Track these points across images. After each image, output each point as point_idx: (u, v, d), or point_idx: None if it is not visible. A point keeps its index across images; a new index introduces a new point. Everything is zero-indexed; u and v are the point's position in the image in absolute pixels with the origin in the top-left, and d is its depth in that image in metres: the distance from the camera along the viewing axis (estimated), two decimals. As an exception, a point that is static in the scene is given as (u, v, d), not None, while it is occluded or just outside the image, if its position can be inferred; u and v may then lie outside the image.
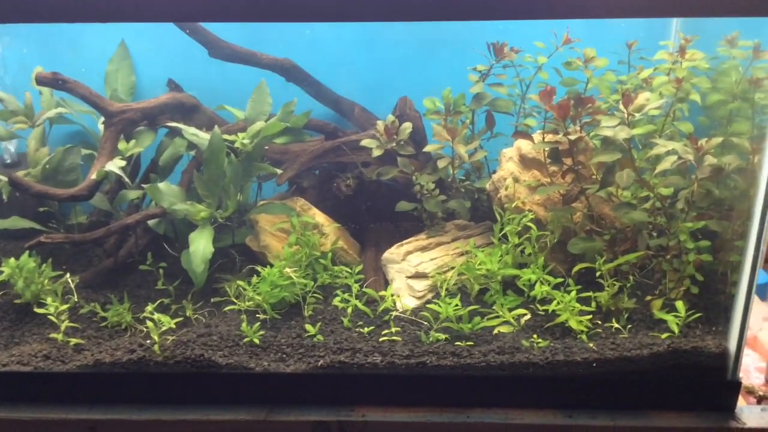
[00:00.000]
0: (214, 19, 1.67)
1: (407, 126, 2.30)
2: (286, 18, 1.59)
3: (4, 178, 2.23)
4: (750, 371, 2.04)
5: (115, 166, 2.11)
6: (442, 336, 1.97)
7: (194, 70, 2.50)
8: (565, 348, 1.90)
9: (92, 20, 1.70)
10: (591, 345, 1.89)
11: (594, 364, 1.85)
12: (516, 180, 2.22)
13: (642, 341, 1.90)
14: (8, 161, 2.59)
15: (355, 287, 2.17)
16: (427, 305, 2.07)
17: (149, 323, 1.98)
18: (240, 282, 2.15)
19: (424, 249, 2.28)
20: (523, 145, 2.27)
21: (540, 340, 1.92)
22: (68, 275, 2.17)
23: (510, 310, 2.03)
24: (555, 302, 1.99)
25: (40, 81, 2.15)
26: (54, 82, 2.16)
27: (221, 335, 2.00)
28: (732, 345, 1.84)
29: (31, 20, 1.64)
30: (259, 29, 2.48)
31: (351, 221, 2.49)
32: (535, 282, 2.05)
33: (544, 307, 2.02)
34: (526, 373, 1.87)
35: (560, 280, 2.06)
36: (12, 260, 2.09)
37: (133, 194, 2.26)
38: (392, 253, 2.25)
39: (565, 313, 1.96)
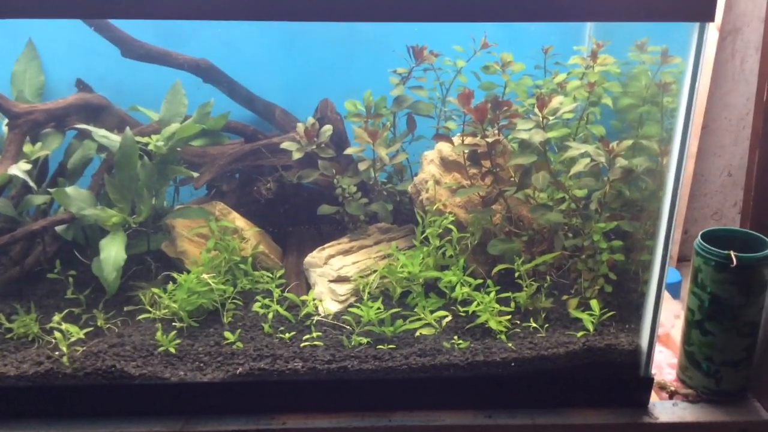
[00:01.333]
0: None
1: (327, 128, 2.28)
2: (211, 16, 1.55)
3: None
4: (663, 367, 2.10)
5: (19, 169, 2.00)
6: (365, 340, 1.95)
7: (106, 70, 2.41)
8: (484, 348, 1.92)
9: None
10: (510, 345, 1.92)
11: (513, 364, 1.87)
12: (437, 182, 2.23)
13: (559, 340, 1.93)
14: None
15: (277, 292, 2.13)
16: (350, 309, 2.06)
17: (57, 334, 1.89)
18: (155, 290, 2.08)
19: (346, 252, 2.26)
20: (444, 148, 2.28)
21: (461, 341, 1.93)
22: (-30, 285, 2.06)
23: (432, 312, 2.04)
24: (475, 303, 2.01)
25: (-63, 80, 2.03)
26: (-49, 81, 2.05)
27: (134, 345, 1.93)
28: (644, 342, 1.90)
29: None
30: (174, 29, 2.41)
31: (272, 225, 2.45)
32: (456, 284, 2.06)
33: (464, 309, 2.03)
34: (447, 375, 1.88)
35: (480, 281, 2.08)
36: None
37: (39, 199, 2.16)
38: (314, 257, 2.23)
39: (485, 314, 1.98)
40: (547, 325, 2.00)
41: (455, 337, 1.96)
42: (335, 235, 2.36)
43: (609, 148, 1.99)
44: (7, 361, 1.88)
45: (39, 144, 2.18)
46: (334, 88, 2.48)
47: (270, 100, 2.50)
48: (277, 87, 2.53)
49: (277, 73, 2.56)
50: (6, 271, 2.22)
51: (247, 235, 2.30)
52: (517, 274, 2.06)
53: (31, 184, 2.09)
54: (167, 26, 2.38)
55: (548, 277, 2.09)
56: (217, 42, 2.45)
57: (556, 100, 1.99)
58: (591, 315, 1.98)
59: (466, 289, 2.05)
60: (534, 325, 1.99)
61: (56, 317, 1.94)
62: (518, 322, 2.02)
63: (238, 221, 2.32)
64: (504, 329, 1.96)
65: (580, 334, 1.95)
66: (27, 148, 2.15)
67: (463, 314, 2.04)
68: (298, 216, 2.46)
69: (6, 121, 2.18)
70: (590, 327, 1.96)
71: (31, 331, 1.98)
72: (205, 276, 2.04)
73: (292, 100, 2.52)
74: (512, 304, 2.04)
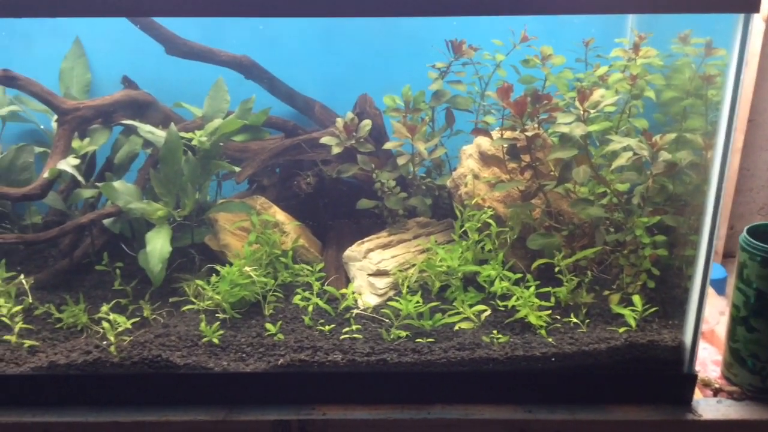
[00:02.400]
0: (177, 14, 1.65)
1: (367, 123, 2.29)
2: (250, 13, 1.58)
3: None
4: (707, 364, 2.07)
5: (68, 164, 2.06)
6: (403, 333, 1.97)
7: (151, 68, 2.46)
8: (524, 343, 1.92)
9: (45, 15, 1.65)
10: (550, 340, 1.91)
11: (553, 359, 1.87)
12: (476, 177, 2.23)
13: (600, 335, 1.92)
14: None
15: (317, 285, 2.16)
16: (389, 302, 2.07)
17: (105, 324, 1.94)
18: (199, 281, 2.12)
19: (385, 246, 2.27)
20: (483, 142, 2.28)
21: (500, 335, 1.93)
22: (22, 276, 2.12)
23: (471, 306, 2.04)
24: (515, 298, 2.00)
25: (-9, 78, 2.10)
26: (5, 79, 2.11)
27: (179, 335, 1.98)
28: (688, 338, 1.87)
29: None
30: (218, 26, 2.46)
31: (312, 219, 2.47)
32: (495, 278, 2.06)
33: (504, 303, 2.03)
34: (487, 369, 1.88)
35: (520, 275, 2.07)
36: (-38, 262, 2.04)
37: (87, 193, 2.22)
38: (353, 250, 2.24)
39: (524, 308, 1.98)
40: (588, 321, 1.99)
41: (494, 332, 1.96)
42: (374, 229, 2.38)
43: (652, 141, 1.96)
44: (57, 350, 1.94)
45: (87, 140, 2.24)
46: (372, 83, 2.49)
47: (309, 95, 2.53)
48: (316, 82, 2.56)
49: (316, 69, 2.58)
50: (55, 263, 2.29)
51: (288, 228, 2.33)
52: (557, 269, 2.05)
53: (80, 178, 2.15)
54: (210, 24, 2.43)
55: (589, 272, 2.07)
56: (258, 38, 2.48)
57: (598, 93, 1.97)
58: (633, 311, 1.96)
59: (505, 284, 2.05)
60: (575, 320, 1.98)
61: (104, 308, 1.99)
62: (558, 317, 2.01)
63: (279, 215, 2.35)
64: (544, 324, 1.96)
65: (622, 329, 1.93)
66: (75, 143, 2.21)
67: (502, 309, 2.04)
68: (338, 210, 2.49)
69: (55, 117, 2.24)
70: (632, 323, 1.94)
71: (79, 321, 2.04)
72: (247, 269, 2.08)
73: (331, 95, 2.54)
74: (552, 299, 2.03)
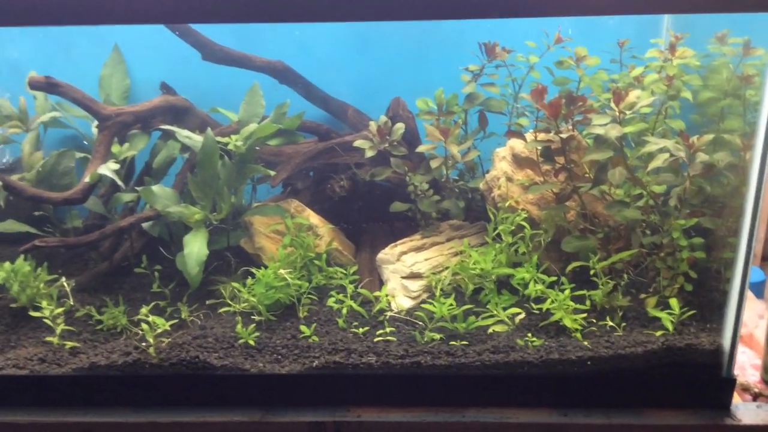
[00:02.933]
0: (210, 21, 1.69)
1: (400, 126, 2.30)
2: (278, 18, 1.61)
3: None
4: (746, 368, 2.04)
5: (108, 169, 2.11)
6: (437, 336, 1.97)
7: (187, 73, 2.51)
8: (559, 346, 1.91)
9: (86, 23, 1.70)
10: (585, 343, 1.89)
11: (589, 362, 1.85)
12: (509, 179, 2.22)
13: (636, 339, 1.90)
14: (2, 165, 2.59)
15: (350, 288, 2.17)
16: (422, 305, 2.08)
17: (144, 326, 1.98)
18: (235, 284, 2.15)
19: (418, 249, 2.28)
20: (516, 145, 2.27)
21: (534, 338, 1.93)
22: (63, 279, 2.17)
23: (504, 309, 2.04)
24: (549, 301, 1.99)
25: (33, 85, 2.16)
26: (47, 86, 2.17)
27: (216, 337, 2.00)
28: (726, 342, 1.85)
29: (26, 23, 1.65)
30: (252, 32, 2.49)
31: (345, 222, 2.49)
32: (530, 281, 2.05)
33: (538, 306, 2.02)
34: (521, 372, 1.87)
35: (554, 278, 2.06)
36: (7, 264, 2.10)
37: (127, 197, 2.27)
38: (387, 253, 2.26)
39: (559, 311, 1.97)
40: (624, 324, 1.97)
41: (529, 335, 1.95)
42: (407, 232, 2.39)
43: (689, 142, 1.94)
44: (97, 351, 1.99)
45: (126, 144, 2.29)
46: (404, 86, 2.50)
47: (342, 99, 2.55)
48: (348, 86, 2.58)
49: (348, 73, 2.60)
50: (95, 266, 2.34)
51: (321, 231, 2.35)
52: (592, 272, 2.04)
53: (119, 183, 2.20)
54: (245, 29, 2.46)
55: (625, 275, 2.05)
56: (291, 43, 2.51)
57: (633, 95, 1.95)
58: (670, 314, 1.93)
59: (539, 287, 2.04)
60: (611, 323, 1.96)
61: (144, 309, 2.03)
62: (594, 320, 1.99)
63: (313, 218, 2.37)
64: (579, 327, 1.94)
65: (658, 333, 1.91)
66: (115, 148, 2.26)
67: (536, 312, 2.03)
68: (371, 213, 2.50)
69: (95, 123, 2.29)
70: (669, 326, 1.92)
71: (119, 323, 2.08)
72: (282, 271, 2.10)
73: (363, 99, 2.56)
74: (587, 302, 2.02)
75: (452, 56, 2.41)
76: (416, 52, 2.55)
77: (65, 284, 2.16)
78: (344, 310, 2.09)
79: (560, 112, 2.01)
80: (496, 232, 2.18)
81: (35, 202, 2.21)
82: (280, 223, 2.30)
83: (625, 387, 1.88)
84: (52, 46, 2.54)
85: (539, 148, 2.12)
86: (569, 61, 2.24)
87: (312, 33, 2.52)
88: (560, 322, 1.96)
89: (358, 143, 2.32)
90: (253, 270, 2.15)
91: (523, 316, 2.02)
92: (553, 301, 1.99)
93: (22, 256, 2.13)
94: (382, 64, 2.59)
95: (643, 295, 2.05)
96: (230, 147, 2.22)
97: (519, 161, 2.27)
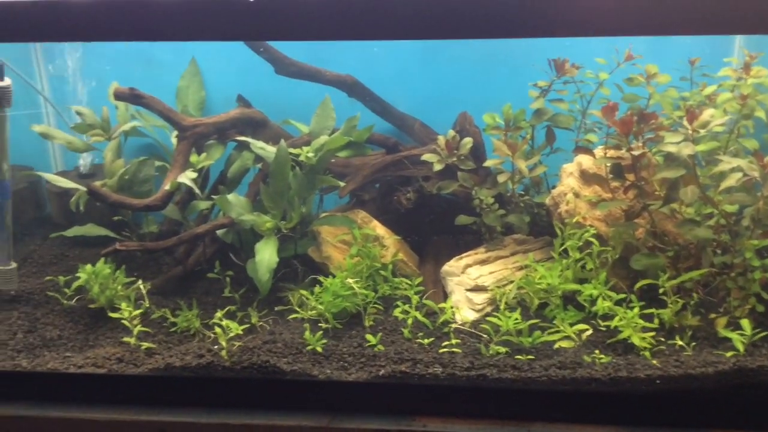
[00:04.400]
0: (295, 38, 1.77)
1: (468, 141, 2.33)
2: (361, 36, 1.67)
3: (82, 188, 2.33)
4: (818, 392, 1.99)
5: (187, 178, 2.19)
6: (503, 349, 1.98)
7: (259, 86, 2.58)
8: (627, 364, 1.90)
9: (170, 39, 1.79)
10: (654, 362, 1.88)
11: (657, 381, 1.84)
12: (576, 195, 2.23)
13: (706, 359, 1.88)
14: (84, 172, 2.71)
15: (415, 299, 2.20)
16: (487, 318, 2.09)
17: (217, 329, 2.04)
18: (303, 291, 2.20)
19: (483, 262, 2.30)
20: (584, 161, 2.28)
21: (602, 355, 1.92)
22: (140, 281, 2.25)
23: (570, 325, 2.04)
24: (617, 318, 1.99)
25: (118, 96, 2.26)
26: (131, 97, 2.27)
27: (285, 342, 2.05)
28: (800, 365, 1.82)
29: (112, 39, 1.74)
30: (322, 46, 2.55)
31: (409, 234, 2.52)
32: (597, 297, 2.05)
33: (605, 323, 2.02)
34: (589, 389, 1.87)
35: (623, 296, 2.05)
36: (89, 266, 2.19)
37: (203, 205, 2.35)
38: (451, 266, 2.28)
39: (627, 329, 1.96)
40: (693, 344, 1.95)
41: (596, 351, 1.95)
42: (470, 245, 2.41)
43: (763, 162, 1.92)
44: (172, 353, 2.05)
45: (204, 154, 2.37)
46: (467, 101, 2.53)
47: (407, 113, 2.59)
48: (413, 100, 2.62)
49: (414, 87, 2.65)
50: (169, 270, 2.42)
51: (387, 242, 2.39)
52: (661, 290, 2.02)
53: (197, 191, 2.28)
54: (316, 44, 2.53)
55: (695, 294, 2.03)
56: (360, 58, 2.56)
57: (707, 113, 1.94)
58: (741, 335, 1.91)
59: (607, 303, 2.03)
60: (680, 342, 1.95)
61: (218, 314, 2.09)
62: (662, 339, 1.98)
63: (379, 229, 2.41)
64: (648, 346, 1.93)
65: (729, 354, 1.89)
66: (193, 158, 2.34)
67: (603, 329, 2.03)
68: (435, 225, 2.53)
69: (174, 133, 2.39)
70: (740, 347, 1.89)
71: (192, 325, 2.15)
72: (349, 280, 2.14)
73: (427, 113, 2.60)
74: (656, 321, 2.01)
75: (515, 72, 2.44)
76: (480, 67, 2.58)
77: (141, 287, 2.24)
78: (410, 321, 2.13)
79: (632, 129, 2.01)
80: (563, 247, 2.18)
81: (118, 207, 2.30)
82: (347, 234, 2.35)
83: (694, 407, 1.85)
84: (132, 58, 2.65)
85: (609, 164, 2.12)
86: (639, 78, 2.24)
87: (380, 47, 2.57)
88: (628, 340, 1.96)
89: (426, 157, 2.35)
90: (321, 278, 2.20)
91: (590, 332, 2.02)
92: (621, 319, 1.98)
93: (102, 259, 2.22)
94: (446, 79, 2.62)
95: (713, 315, 2.03)
96: (302, 158, 2.28)
97: (586, 177, 2.27)
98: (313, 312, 2.15)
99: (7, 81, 2.06)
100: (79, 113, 2.48)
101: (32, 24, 1.73)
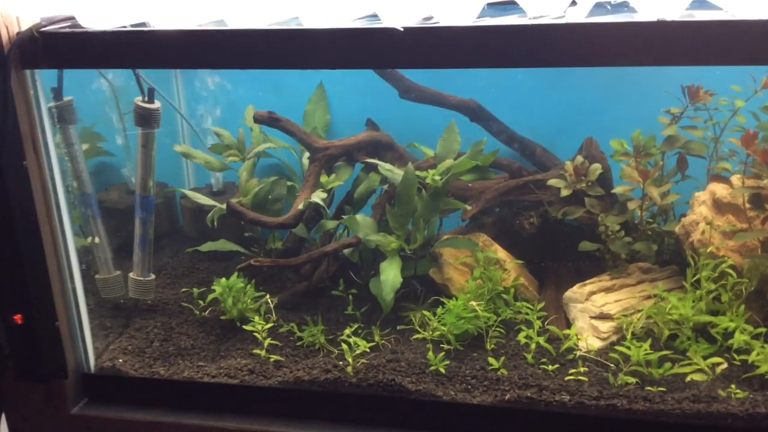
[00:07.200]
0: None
1: (597, 167, 2.31)
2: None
3: (219, 205, 2.46)
4: None
5: (318, 197, 2.28)
6: (632, 379, 1.95)
7: (382, 110, 2.65)
8: (765, 400, 1.83)
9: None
10: (797, 400, 1.81)
11: (802, 421, 1.77)
12: (709, 224, 2.17)
13: None
14: (215, 189, 2.85)
15: (537, 324, 2.19)
16: (613, 347, 2.06)
17: (344, 345, 2.10)
18: (425, 312, 2.23)
19: (608, 290, 2.26)
20: (718, 189, 2.22)
21: (738, 390, 1.86)
22: (268, 296, 2.34)
23: (704, 357, 1.98)
24: (755, 353, 1.92)
25: (257, 119, 2.38)
26: (269, 120, 2.38)
27: (408, 362, 2.09)
28: None
29: (262, 67, 1.84)
30: (445, 71, 2.59)
31: (529, 258, 2.52)
32: (734, 330, 1.98)
33: (741, 357, 1.95)
34: (725, 424, 1.81)
35: (762, 330, 1.98)
36: (223, 280, 2.30)
37: (331, 224, 2.43)
38: (575, 292, 2.26)
39: (765, 364, 1.89)
40: (841, 384, 1.86)
41: (732, 386, 1.88)
42: (592, 273, 2.38)
43: None
44: (299, 366, 2.12)
45: (333, 175, 2.45)
46: (590, 127, 2.51)
47: (528, 137, 2.60)
48: (534, 125, 2.62)
49: (536, 112, 2.65)
50: (293, 285, 2.50)
51: (509, 266, 2.39)
52: (801, 326, 1.94)
53: (326, 210, 2.36)
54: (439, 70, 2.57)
55: (841, 332, 1.94)
56: (483, 82, 2.59)
57: None
58: None
59: (744, 337, 1.96)
60: (825, 381, 1.86)
61: (347, 330, 2.15)
62: (805, 376, 1.90)
63: (500, 252, 2.42)
64: (788, 382, 1.86)
65: None
66: (323, 178, 2.43)
67: (738, 363, 1.96)
68: (557, 251, 2.51)
69: (307, 154, 2.48)
70: None
71: (317, 341, 2.21)
72: (473, 303, 2.16)
73: (547, 138, 2.59)
74: (797, 357, 1.92)
75: (640, 99, 2.41)
76: (603, 94, 2.56)
77: (269, 301, 2.33)
78: (533, 346, 2.12)
79: (774, 158, 1.95)
80: (696, 277, 2.12)
81: (253, 224, 2.41)
82: (468, 256, 2.37)
83: (843, 451, 1.77)
84: (262, 82, 2.78)
85: (747, 194, 2.06)
86: (778, 106, 2.17)
87: (502, 72, 2.59)
88: (766, 376, 1.88)
89: (553, 182, 2.35)
90: (443, 300, 2.23)
91: (725, 366, 1.95)
92: (758, 353, 1.91)
93: (235, 273, 2.33)
94: (566, 104, 2.62)
95: None
96: (428, 181, 2.32)
97: (720, 206, 2.21)
98: (436, 333, 2.18)
99: (156, 104, 2.20)
100: (218, 134, 2.62)
101: (187, 53, 1.85)
